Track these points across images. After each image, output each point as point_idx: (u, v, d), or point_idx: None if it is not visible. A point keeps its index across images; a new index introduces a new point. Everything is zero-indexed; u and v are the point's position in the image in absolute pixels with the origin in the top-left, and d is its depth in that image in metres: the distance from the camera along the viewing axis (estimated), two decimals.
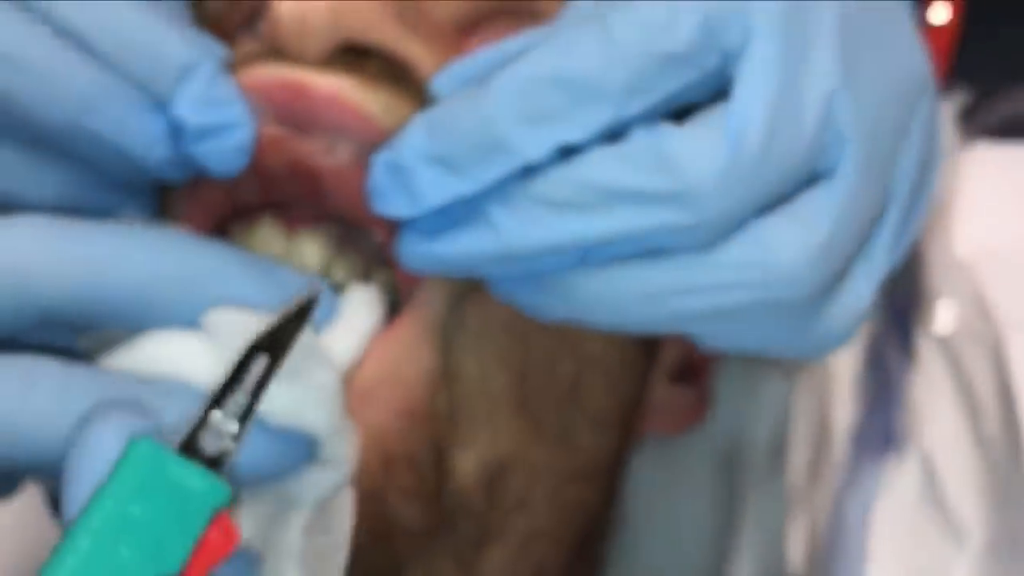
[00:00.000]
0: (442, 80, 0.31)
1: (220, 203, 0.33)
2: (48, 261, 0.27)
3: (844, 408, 0.47)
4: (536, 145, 0.28)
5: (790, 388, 0.56)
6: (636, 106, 0.28)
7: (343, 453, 0.28)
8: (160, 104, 0.30)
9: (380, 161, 0.29)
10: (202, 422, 0.25)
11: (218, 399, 0.25)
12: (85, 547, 0.23)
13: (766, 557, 0.55)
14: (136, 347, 0.28)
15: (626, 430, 0.40)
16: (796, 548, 0.43)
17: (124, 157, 0.30)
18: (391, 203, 0.29)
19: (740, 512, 0.56)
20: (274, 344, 0.26)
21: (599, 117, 0.28)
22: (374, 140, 0.31)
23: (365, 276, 0.33)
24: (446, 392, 0.33)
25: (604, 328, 0.30)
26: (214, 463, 0.25)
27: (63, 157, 0.30)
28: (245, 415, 0.25)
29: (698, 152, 0.28)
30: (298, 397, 0.27)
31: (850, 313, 0.31)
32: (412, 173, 0.29)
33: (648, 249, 0.29)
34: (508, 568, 0.36)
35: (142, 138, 0.30)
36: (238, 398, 0.25)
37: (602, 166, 0.28)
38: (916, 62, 0.33)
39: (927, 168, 0.34)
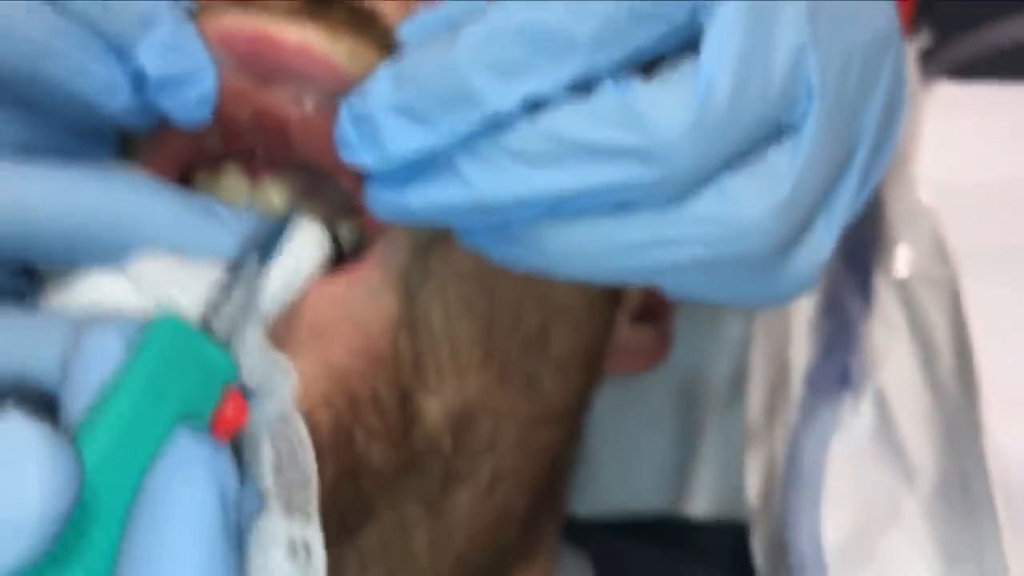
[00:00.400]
0: (409, 29, 0.31)
1: (185, 151, 0.33)
2: None
3: (801, 349, 0.48)
4: (504, 97, 0.28)
5: (749, 326, 0.57)
6: (604, 58, 0.29)
7: (279, 386, 0.29)
8: (122, 53, 0.30)
9: (346, 111, 0.29)
10: (212, 306, 0.28)
11: (225, 292, 0.28)
12: (127, 399, 0.24)
13: (723, 489, 0.56)
14: (68, 287, 0.29)
15: (590, 373, 0.40)
16: (753, 483, 0.45)
17: (84, 104, 0.30)
18: (358, 153, 0.29)
19: (698, 446, 0.57)
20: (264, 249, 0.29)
21: (567, 69, 0.28)
22: (340, 89, 0.31)
23: (330, 224, 0.34)
24: (409, 338, 0.33)
25: (572, 279, 0.30)
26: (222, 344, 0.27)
27: (25, 104, 0.30)
28: (246, 305, 0.28)
29: (666, 108, 0.28)
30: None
31: (811, 263, 0.32)
32: (378, 124, 0.28)
33: (616, 203, 0.29)
34: (475, 510, 0.37)
35: (102, 86, 0.29)
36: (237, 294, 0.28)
37: (570, 120, 0.28)
38: (883, 17, 0.33)
39: (891, 118, 0.34)
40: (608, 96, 0.28)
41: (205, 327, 0.27)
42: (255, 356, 0.29)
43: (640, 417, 0.58)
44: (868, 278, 0.46)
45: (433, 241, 0.33)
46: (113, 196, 0.29)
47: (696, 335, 0.56)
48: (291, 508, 0.30)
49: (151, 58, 0.29)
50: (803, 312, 0.49)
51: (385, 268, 0.33)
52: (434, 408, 0.34)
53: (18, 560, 0.21)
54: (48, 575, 0.23)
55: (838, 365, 0.45)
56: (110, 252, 0.29)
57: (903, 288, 0.45)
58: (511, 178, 0.28)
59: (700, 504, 0.56)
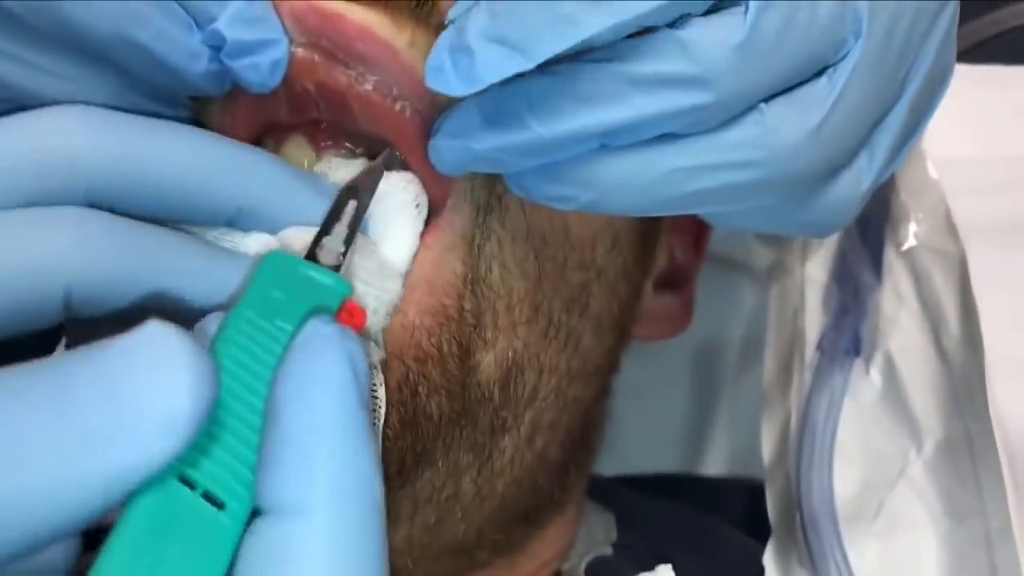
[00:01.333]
0: (456, 10, 0.32)
1: (254, 120, 0.36)
2: (93, 143, 0.30)
3: (814, 316, 0.50)
4: (597, 22, 0.29)
5: (763, 295, 0.59)
6: None
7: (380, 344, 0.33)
8: (202, 21, 0.32)
9: (442, 43, 0.31)
10: (316, 242, 0.31)
11: (327, 228, 0.32)
12: (248, 315, 0.28)
13: (737, 450, 0.59)
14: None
15: (621, 334, 0.43)
16: (768, 443, 0.47)
17: (166, 68, 0.32)
18: (448, 82, 0.30)
19: (714, 407, 0.60)
20: (360, 191, 0.33)
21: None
22: (398, 73, 0.33)
23: None
24: (472, 296, 0.36)
25: (621, 211, 0.32)
26: (332, 270, 0.31)
27: (111, 67, 0.32)
28: (348, 240, 0.32)
29: (715, 36, 0.30)
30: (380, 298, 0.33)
31: (851, 194, 0.34)
32: (474, 52, 0.30)
33: (663, 134, 0.31)
34: (516, 458, 0.39)
35: (183, 50, 0.32)
36: (340, 228, 0.32)
37: (626, 56, 0.30)
38: None
39: (940, 80, 0.36)
40: (662, 32, 0.30)
41: (311, 257, 0.31)
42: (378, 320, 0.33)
43: (658, 381, 0.60)
44: (879, 249, 0.48)
45: (491, 206, 0.36)
46: (229, 156, 0.31)
47: (712, 303, 0.58)
48: None
49: (229, 25, 0.32)
50: (817, 281, 0.51)
51: (452, 231, 0.36)
52: (489, 362, 0.37)
53: (172, 450, 0.23)
54: (193, 458, 0.26)
55: (850, 332, 0.48)
56: (222, 209, 0.31)
57: (912, 259, 0.47)
58: (569, 116, 0.30)
59: (715, 464, 0.59)
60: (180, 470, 0.26)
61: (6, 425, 0.23)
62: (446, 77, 0.30)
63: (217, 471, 0.26)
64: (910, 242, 0.47)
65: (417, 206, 0.35)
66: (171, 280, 0.30)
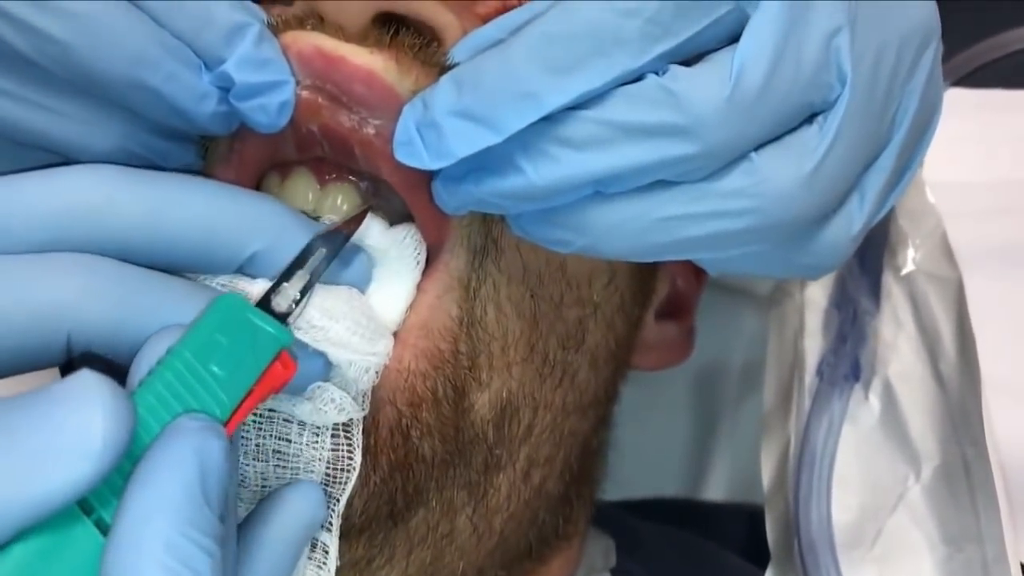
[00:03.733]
0: (460, 50, 0.33)
1: (260, 156, 0.36)
2: (114, 201, 0.31)
3: (814, 340, 0.50)
4: (560, 95, 0.30)
5: (763, 321, 0.60)
6: (651, 53, 0.30)
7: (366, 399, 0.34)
8: (211, 63, 0.32)
9: (408, 118, 0.31)
10: (275, 287, 0.32)
11: (288, 274, 0.32)
12: (185, 359, 0.29)
13: (737, 476, 0.59)
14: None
15: (619, 366, 0.43)
16: (768, 468, 0.47)
17: (175, 110, 0.32)
18: (419, 157, 0.31)
19: (715, 432, 0.60)
20: (331, 241, 0.33)
21: (618, 65, 0.30)
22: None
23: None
24: (468, 339, 0.36)
25: (615, 256, 0.33)
26: (281, 319, 0.32)
27: (120, 109, 0.33)
28: (306, 288, 0.32)
29: (703, 87, 0.30)
30: (362, 363, 0.34)
31: (843, 238, 0.34)
32: (442, 128, 0.31)
33: (655, 181, 0.31)
34: (513, 494, 0.40)
35: (192, 93, 0.32)
36: (302, 275, 0.32)
37: (616, 106, 0.30)
38: (922, 12, 0.35)
39: (929, 115, 0.36)
40: (650, 81, 0.30)
41: (264, 302, 0.32)
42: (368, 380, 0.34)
43: (658, 406, 0.60)
44: (878, 275, 0.49)
45: (487, 247, 0.36)
46: (244, 209, 0.32)
47: (713, 328, 0.58)
48: None
49: (237, 67, 0.32)
50: (817, 305, 0.51)
51: (448, 275, 0.36)
52: (483, 402, 0.37)
53: (82, 479, 0.26)
54: (104, 498, 0.27)
55: (849, 357, 0.48)
56: (233, 259, 0.32)
57: (910, 284, 0.47)
58: (562, 164, 0.30)
59: (716, 489, 0.59)
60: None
61: None
62: (416, 152, 0.31)
63: (108, 499, 0.28)
64: (908, 267, 0.47)
65: (417, 261, 0.36)
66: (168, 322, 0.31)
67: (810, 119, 0.33)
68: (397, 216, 0.36)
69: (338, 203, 0.37)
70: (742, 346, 0.60)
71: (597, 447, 0.45)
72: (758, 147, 0.32)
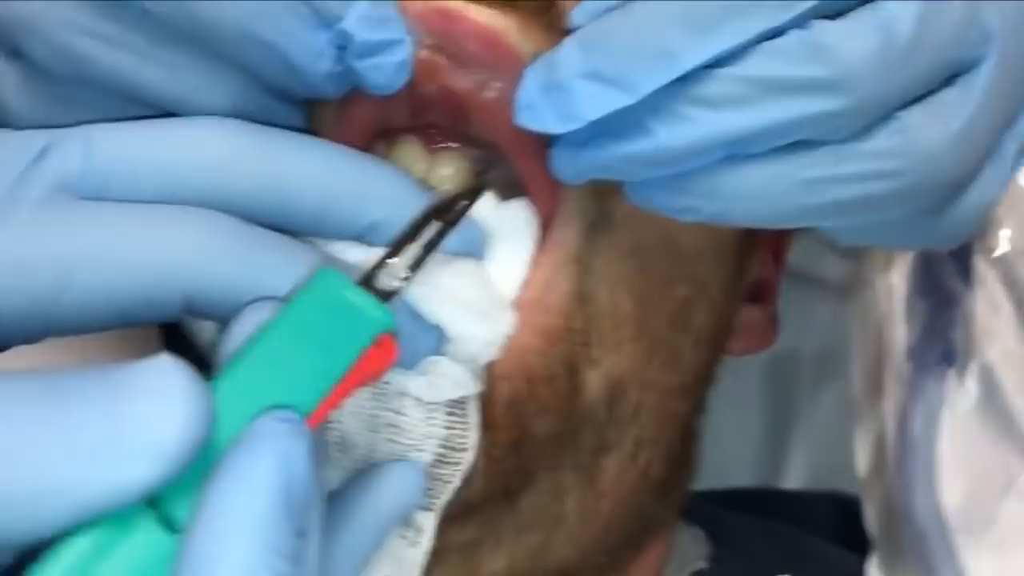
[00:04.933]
0: (579, 13, 0.32)
1: (370, 122, 0.35)
2: (238, 156, 0.30)
3: (899, 328, 0.49)
4: (698, 53, 0.29)
5: (836, 309, 0.59)
6: (796, 8, 0.29)
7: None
8: (327, 21, 0.31)
9: (531, 81, 0.30)
10: (380, 264, 0.30)
11: (396, 249, 0.30)
12: (277, 339, 0.27)
13: (818, 463, 0.58)
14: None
15: (718, 347, 0.42)
16: (862, 456, 0.46)
17: (290, 67, 0.31)
18: (543, 120, 0.30)
19: (791, 422, 0.59)
20: (445, 214, 0.31)
21: (760, 21, 0.29)
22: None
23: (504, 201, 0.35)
24: (581, 315, 0.35)
25: (747, 223, 0.32)
26: (385, 297, 0.29)
27: (233, 65, 0.32)
28: (417, 264, 0.30)
29: (851, 40, 0.29)
30: (484, 336, 0.33)
31: (978, 205, 0.34)
32: (571, 90, 0.29)
33: (795, 142, 0.30)
34: (621, 476, 0.39)
35: (308, 49, 0.31)
36: (413, 249, 0.30)
37: (758, 61, 0.29)
38: None
39: None
40: (794, 35, 0.29)
41: (369, 278, 0.29)
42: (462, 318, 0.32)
43: (732, 397, 0.59)
44: (966, 257, 0.48)
45: (601, 219, 0.35)
46: (364, 174, 0.31)
47: (784, 316, 0.58)
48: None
49: (357, 25, 0.31)
50: (898, 292, 0.50)
51: (561, 250, 0.35)
52: (594, 381, 0.36)
53: (152, 481, 0.23)
54: (176, 497, 0.25)
55: (940, 342, 0.47)
56: (351, 225, 0.31)
57: (1005, 266, 0.46)
58: (697, 125, 0.29)
59: (794, 479, 0.58)
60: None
61: None
62: (540, 115, 0.30)
63: (184, 496, 0.25)
64: (1003, 248, 0.47)
65: (531, 236, 0.35)
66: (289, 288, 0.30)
67: (950, 80, 0.32)
68: (507, 188, 0.36)
69: (447, 173, 0.36)
70: (815, 335, 0.59)
71: (695, 431, 0.44)
72: (904, 106, 0.30)
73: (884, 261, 0.51)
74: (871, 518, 0.45)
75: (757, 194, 0.30)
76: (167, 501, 0.25)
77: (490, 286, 0.34)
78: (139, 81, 0.31)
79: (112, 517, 0.24)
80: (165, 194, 0.29)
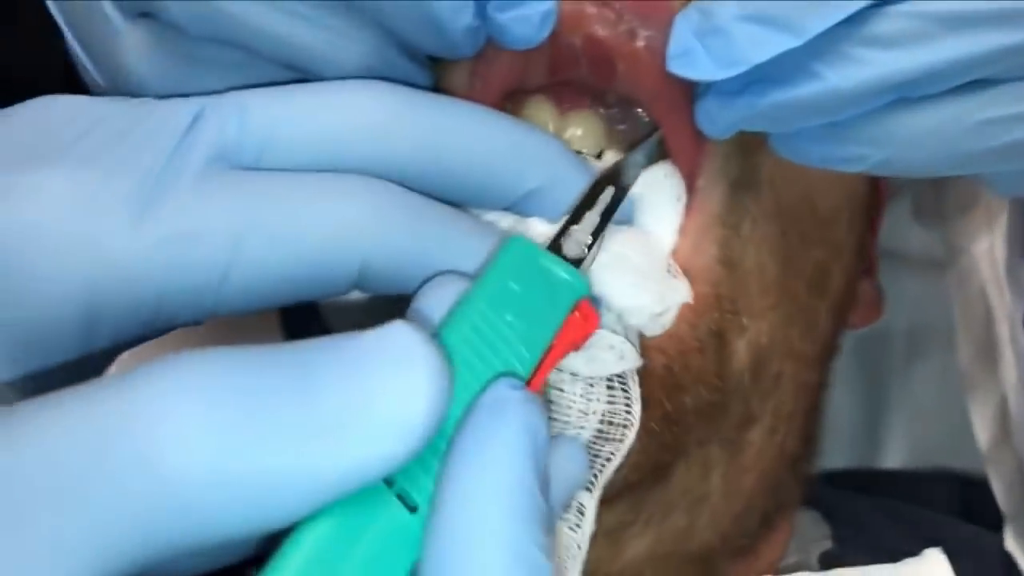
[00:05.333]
0: None
1: (505, 82, 0.33)
2: (397, 122, 0.28)
3: (1005, 294, 0.48)
4: None
5: (923, 283, 0.58)
6: None
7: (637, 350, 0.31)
8: None
9: (684, 28, 0.29)
10: (563, 231, 0.29)
11: (576, 216, 0.29)
12: (481, 309, 0.26)
13: (918, 441, 0.57)
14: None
15: (845, 316, 0.41)
16: (982, 428, 0.45)
17: (429, 20, 0.29)
18: (700, 67, 0.28)
19: (886, 400, 0.58)
20: (619, 179, 0.30)
21: None
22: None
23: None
24: (729, 280, 0.34)
25: (915, 171, 0.30)
26: (574, 265, 0.28)
27: (370, 20, 0.30)
28: (597, 231, 0.29)
29: None
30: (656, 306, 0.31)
31: None
32: (730, 34, 0.28)
33: (971, 81, 0.28)
34: (762, 449, 0.37)
35: (451, 2, 0.29)
36: (591, 217, 0.29)
37: None
38: None
39: None
40: None
41: (555, 247, 0.28)
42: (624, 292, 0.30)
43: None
44: None
45: (745, 179, 0.34)
46: (521, 141, 0.29)
47: None
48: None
49: None
50: (999, 258, 0.49)
51: (707, 212, 0.33)
52: (741, 349, 0.34)
53: (403, 455, 0.21)
54: (409, 474, 0.23)
55: None
56: (507, 194, 0.29)
57: None
58: (870, 65, 0.28)
59: (894, 458, 0.57)
60: None
61: (245, 403, 0.21)
62: (695, 62, 0.28)
63: (414, 471, 0.24)
64: None
65: (678, 198, 0.33)
66: (459, 261, 0.28)
67: None
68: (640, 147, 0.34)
69: (578, 133, 0.34)
70: (904, 311, 0.57)
71: (822, 405, 0.43)
72: None
73: (977, 228, 0.50)
74: (1000, 491, 0.43)
75: (930, 138, 0.29)
76: (402, 478, 0.23)
77: (659, 254, 0.32)
78: (277, 36, 0.30)
79: (352, 499, 0.22)
80: (324, 162, 0.28)
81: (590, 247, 0.29)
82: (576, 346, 0.28)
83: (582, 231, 0.29)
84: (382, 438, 0.21)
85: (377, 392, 0.21)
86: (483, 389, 0.25)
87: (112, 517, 0.20)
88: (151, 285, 0.26)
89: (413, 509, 0.23)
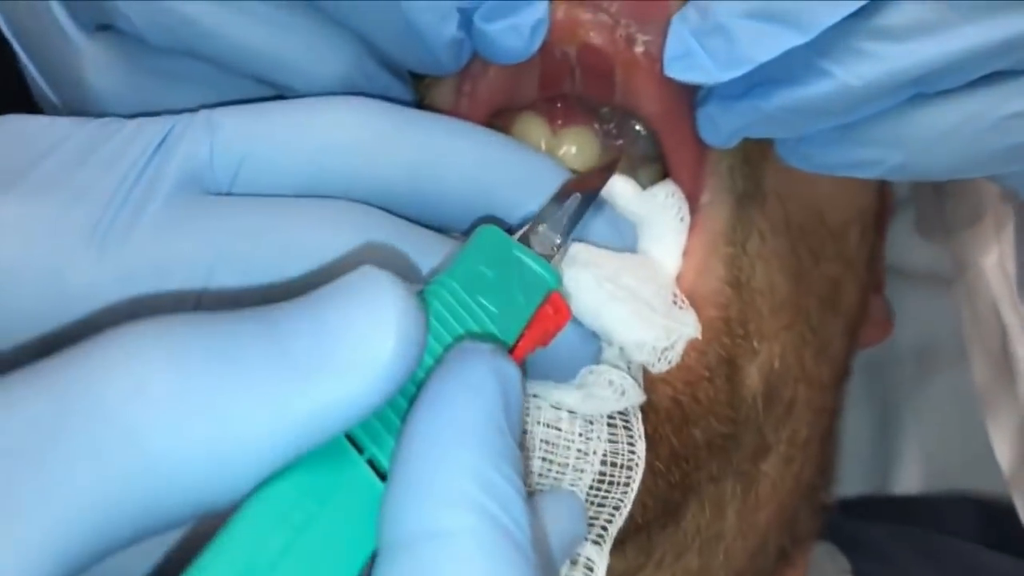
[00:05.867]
0: None
1: (495, 98, 0.32)
2: (382, 140, 0.26)
3: (1017, 310, 0.46)
4: None
5: (926, 300, 0.56)
6: None
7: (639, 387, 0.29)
8: None
9: (681, 28, 0.27)
10: (532, 227, 0.27)
11: (545, 214, 0.27)
12: (452, 288, 0.25)
13: (933, 464, 0.54)
14: None
15: (857, 336, 0.39)
16: (1004, 449, 0.43)
17: (413, 30, 0.27)
18: (701, 69, 0.27)
19: (897, 422, 0.55)
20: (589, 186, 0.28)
21: None
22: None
23: (631, 175, 0.32)
24: (738, 302, 0.32)
25: (933, 174, 0.28)
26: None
27: (350, 31, 0.28)
28: (567, 231, 0.27)
29: None
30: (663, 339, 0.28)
31: None
32: (731, 32, 0.26)
33: (992, 74, 0.26)
34: (777, 481, 0.35)
35: (434, 10, 0.27)
36: (559, 216, 0.27)
37: None
38: None
39: None
40: None
41: (523, 241, 0.27)
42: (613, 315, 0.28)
43: None
44: None
45: (751, 192, 0.32)
46: (515, 163, 0.27)
47: None
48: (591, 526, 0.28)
49: None
50: (1005, 270, 0.47)
51: (712, 229, 0.32)
52: (753, 374, 0.32)
53: (365, 396, 0.20)
54: (375, 433, 0.22)
55: None
56: (503, 219, 0.27)
57: None
58: (880, 60, 0.26)
59: (908, 482, 0.54)
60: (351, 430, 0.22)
61: (208, 352, 0.19)
62: (696, 64, 0.27)
63: (385, 438, 0.22)
64: None
65: (681, 219, 0.31)
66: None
67: None
68: (638, 160, 0.32)
69: (573, 152, 0.32)
70: (910, 328, 0.55)
71: (835, 432, 0.41)
72: None
73: (985, 240, 0.48)
74: None
75: (950, 137, 0.27)
76: (373, 444, 0.22)
77: (664, 282, 0.30)
78: (249, 46, 0.28)
79: (321, 462, 0.21)
80: (304, 185, 0.26)
81: (559, 246, 0.27)
82: (546, 340, 0.26)
83: (552, 230, 0.27)
84: (351, 374, 0.20)
85: (344, 328, 0.20)
86: None
87: (79, 481, 0.18)
88: (115, 320, 0.24)
89: (384, 476, 0.22)
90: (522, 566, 0.20)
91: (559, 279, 0.27)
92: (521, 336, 0.26)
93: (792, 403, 0.34)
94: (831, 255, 0.34)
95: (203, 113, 0.26)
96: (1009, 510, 0.43)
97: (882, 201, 0.40)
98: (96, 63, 0.30)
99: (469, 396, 0.21)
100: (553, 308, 0.26)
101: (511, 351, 0.25)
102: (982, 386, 0.45)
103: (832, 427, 0.39)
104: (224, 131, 0.25)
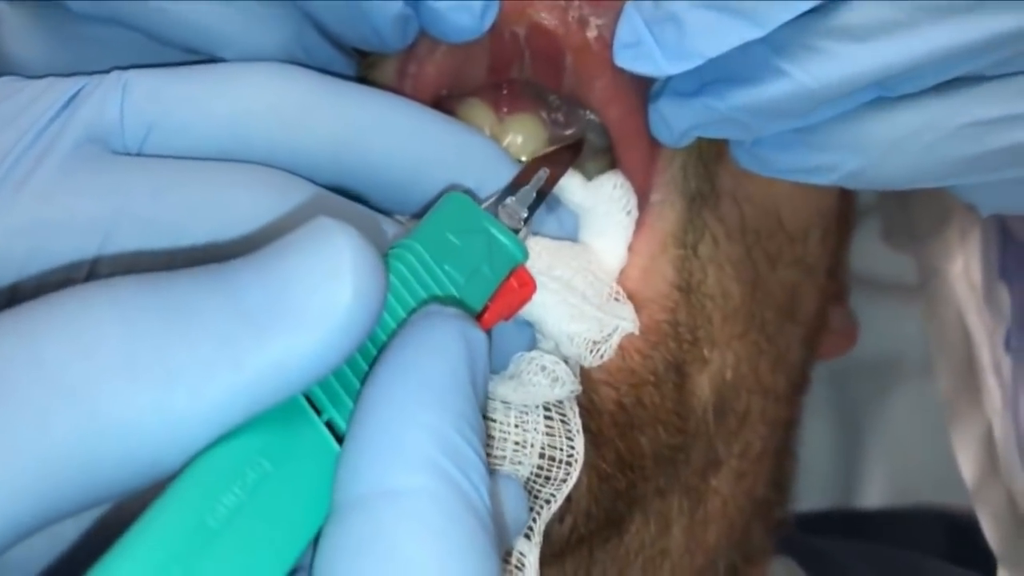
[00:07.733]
0: None
1: (440, 80, 0.30)
2: (306, 109, 0.25)
3: (984, 317, 0.45)
4: None
5: (890, 310, 0.54)
6: None
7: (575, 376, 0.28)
8: None
9: (634, 15, 0.26)
10: (500, 200, 0.27)
11: (512, 188, 0.27)
12: (417, 250, 0.24)
13: (898, 477, 0.53)
14: None
15: (816, 346, 0.37)
16: (968, 462, 0.41)
17: (356, 5, 0.26)
18: (650, 60, 0.25)
19: (860, 435, 0.54)
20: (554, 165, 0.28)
21: None
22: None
23: (577, 165, 0.30)
24: (687, 307, 0.30)
25: (891, 182, 0.27)
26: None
27: (292, 5, 0.27)
28: (534, 206, 0.27)
29: None
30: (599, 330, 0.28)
31: None
32: (683, 23, 0.25)
33: (956, 78, 0.25)
34: (729, 499, 0.34)
35: None
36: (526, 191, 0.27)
37: None
38: None
39: None
40: None
41: (491, 213, 0.26)
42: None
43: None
44: None
45: (705, 192, 0.30)
46: (447, 138, 0.26)
47: None
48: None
49: None
50: (972, 281, 0.46)
51: (662, 230, 0.30)
52: (703, 384, 0.31)
53: (323, 346, 0.19)
54: (335, 395, 0.22)
55: None
56: (428, 197, 0.26)
57: None
58: (838, 59, 0.24)
59: (873, 496, 0.53)
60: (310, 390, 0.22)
61: (157, 307, 0.19)
62: (645, 54, 0.25)
63: (344, 401, 0.22)
64: None
65: (628, 212, 0.30)
66: None
67: None
68: (589, 155, 0.31)
69: (518, 140, 0.31)
70: (875, 338, 0.54)
71: (791, 445, 0.39)
72: None
73: (950, 247, 0.47)
74: (990, 529, 0.40)
75: (910, 143, 0.26)
76: (333, 406, 0.22)
77: (603, 274, 0.29)
78: (178, 13, 0.26)
79: (278, 422, 0.20)
80: (223, 149, 0.24)
81: (526, 220, 0.27)
82: (509, 314, 0.26)
83: (519, 204, 0.27)
84: (307, 326, 0.19)
85: (300, 279, 0.19)
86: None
87: (22, 444, 0.18)
88: (7, 277, 0.23)
89: (341, 440, 0.21)
90: (477, 529, 0.19)
91: (526, 253, 0.26)
92: (486, 308, 0.25)
93: (746, 415, 0.33)
94: (789, 260, 0.33)
95: (115, 73, 0.24)
96: (973, 523, 0.42)
97: (846, 204, 0.39)
98: (15, 31, 0.29)
99: (433, 357, 0.21)
100: (518, 282, 0.26)
101: (480, 318, 0.25)
102: (947, 397, 0.44)
103: (789, 440, 0.38)
104: (136, 92, 0.24)
